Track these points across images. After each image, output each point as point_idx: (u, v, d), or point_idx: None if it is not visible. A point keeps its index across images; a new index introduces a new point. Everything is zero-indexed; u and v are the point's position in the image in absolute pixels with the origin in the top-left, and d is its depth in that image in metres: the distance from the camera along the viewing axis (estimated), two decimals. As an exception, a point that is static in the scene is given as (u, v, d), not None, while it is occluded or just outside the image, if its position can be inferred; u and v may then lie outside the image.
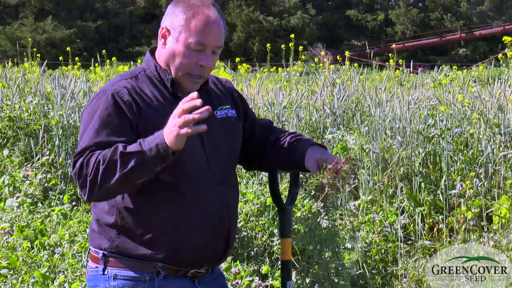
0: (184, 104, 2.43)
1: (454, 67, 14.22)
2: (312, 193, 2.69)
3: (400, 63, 14.51)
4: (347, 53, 11.34)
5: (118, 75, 2.74)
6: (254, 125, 2.93)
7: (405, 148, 6.51)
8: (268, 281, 4.87)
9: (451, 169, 6.36)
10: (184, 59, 2.64)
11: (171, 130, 2.43)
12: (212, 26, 2.63)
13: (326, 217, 2.68)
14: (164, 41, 2.68)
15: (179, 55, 2.64)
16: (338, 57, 12.47)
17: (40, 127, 7.57)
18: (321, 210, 2.70)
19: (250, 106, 3.03)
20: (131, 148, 2.48)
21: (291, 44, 13.51)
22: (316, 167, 2.73)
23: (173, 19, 2.65)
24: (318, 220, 2.68)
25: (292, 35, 15.34)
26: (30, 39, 20.63)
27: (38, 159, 7.30)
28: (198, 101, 2.41)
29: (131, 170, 2.46)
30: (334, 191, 2.68)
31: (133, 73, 2.72)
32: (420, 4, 41.33)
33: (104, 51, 16.25)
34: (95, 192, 2.51)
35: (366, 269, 4.96)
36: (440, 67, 13.54)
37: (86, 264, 2.80)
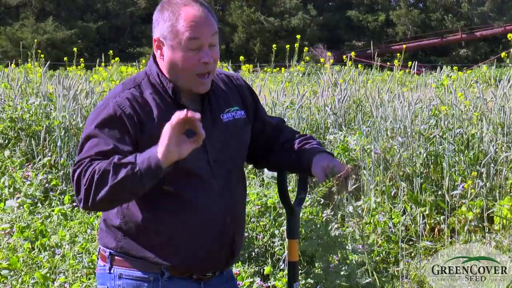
0: (177, 116, 2.40)
1: (455, 67, 14.19)
2: (320, 202, 2.68)
3: (409, 65, 14.46)
4: (353, 54, 11.33)
5: (120, 84, 2.72)
6: (264, 124, 2.88)
7: (406, 148, 6.51)
8: (270, 282, 4.86)
9: (452, 169, 6.35)
10: (187, 62, 2.60)
11: (163, 141, 2.42)
12: (199, 21, 2.60)
13: (337, 226, 2.66)
14: (161, 53, 2.65)
15: (180, 60, 2.61)
16: (344, 57, 12.45)
17: (42, 128, 7.57)
18: (332, 218, 2.68)
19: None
20: (125, 159, 2.47)
21: (296, 45, 13.48)
22: (323, 175, 2.69)
23: (161, 28, 2.62)
24: (330, 228, 2.66)
25: (298, 36, 15.27)
26: (36, 40, 20.57)
27: (40, 160, 7.30)
28: (197, 115, 2.39)
29: (121, 181, 2.44)
30: (342, 198, 2.66)
31: (136, 81, 2.68)
32: (421, 5, 41.32)
33: (111, 52, 16.23)
34: (89, 201, 2.50)
35: (370, 271, 4.95)
36: (442, 68, 13.53)
37: (97, 262, 2.82)
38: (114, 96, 2.63)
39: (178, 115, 2.38)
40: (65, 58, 16.70)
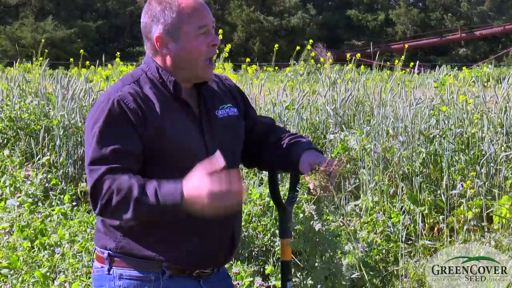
0: (225, 182, 2.39)
1: (461, 67, 14.16)
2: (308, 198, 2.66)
3: (411, 65, 14.45)
4: (358, 56, 11.34)
5: (119, 80, 2.71)
6: (255, 123, 2.90)
7: (406, 148, 6.51)
8: (270, 282, 4.87)
9: (451, 169, 6.36)
10: (198, 48, 2.63)
11: (196, 196, 2.40)
12: (201, 7, 2.65)
13: (318, 221, 2.63)
14: (166, 49, 2.65)
15: (192, 48, 2.63)
16: (348, 56, 12.41)
17: (40, 127, 7.57)
18: (313, 213, 2.66)
19: (251, 104, 3.01)
20: (147, 196, 2.46)
21: (308, 47, 13.47)
22: (308, 170, 2.70)
23: (164, 24, 2.64)
24: (311, 223, 2.64)
25: (311, 41, 15.18)
26: (42, 40, 20.49)
27: (39, 159, 7.31)
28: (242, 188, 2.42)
29: (142, 215, 2.50)
30: (326, 194, 2.64)
31: (134, 76, 2.69)
32: (420, 4, 41.34)
33: (118, 53, 16.21)
34: (106, 215, 2.56)
35: (364, 271, 4.94)
36: (442, 67, 13.51)
37: (92, 264, 2.80)
38: (116, 91, 2.62)
39: (214, 167, 2.39)
40: (71, 59, 16.63)
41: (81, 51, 15.47)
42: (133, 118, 2.57)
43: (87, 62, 13.89)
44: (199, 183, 2.39)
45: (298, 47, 14.30)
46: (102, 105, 2.60)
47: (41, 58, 13.18)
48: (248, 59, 14.77)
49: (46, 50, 15.50)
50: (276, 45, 14.77)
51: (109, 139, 2.54)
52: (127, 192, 2.47)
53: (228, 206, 2.40)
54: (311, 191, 2.64)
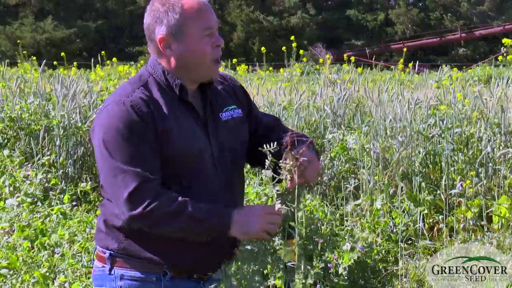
0: (273, 217, 2.62)
1: (454, 68, 14.19)
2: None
3: (410, 65, 14.47)
4: (345, 56, 11.35)
5: (127, 83, 2.69)
6: (257, 124, 2.89)
7: (405, 147, 6.51)
8: (269, 281, 4.86)
9: (451, 169, 6.36)
10: (205, 50, 2.62)
11: (247, 226, 2.60)
12: (205, 8, 2.63)
13: (280, 201, 2.63)
14: (170, 50, 2.64)
15: (197, 50, 2.62)
16: (346, 56, 12.44)
17: (41, 127, 7.57)
18: (275, 192, 2.65)
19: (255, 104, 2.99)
20: (200, 213, 2.55)
21: (294, 45, 13.50)
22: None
23: (167, 26, 2.61)
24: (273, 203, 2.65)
25: (293, 37, 15.27)
26: (19, 41, 20.51)
27: (39, 159, 7.30)
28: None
29: (191, 230, 2.56)
30: (292, 177, 2.61)
31: (142, 79, 2.67)
32: (420, 4, 41.36)
33: (103, 53, 16.23)
34: (144, 220, 2.54)
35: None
36: (441, 67, 13.51)
37: (92, 263, 2.79)
38: (126, 95, 2.60)
39: (275, 219, 2.63)
40: (55, 62, 16.59)
41: (62, 54, 15.46)
42: (147, 122, 2.56)
43: (73, 69, 13.87)
44: (252, 207, 2.67)
45: (283, 48, 14.31)
46: (116, 109, 2.57)
47: (34, 58, 13.19)
48: (235, 60, 14.83)
49: (26, 52, 15.49)
50: (263, 48, 14.83)
51: (135, 147, 2.54)
52: (180, 206, 2.52)
53: (268, 230, 2.63)
54: (281, 176, 2.64)
